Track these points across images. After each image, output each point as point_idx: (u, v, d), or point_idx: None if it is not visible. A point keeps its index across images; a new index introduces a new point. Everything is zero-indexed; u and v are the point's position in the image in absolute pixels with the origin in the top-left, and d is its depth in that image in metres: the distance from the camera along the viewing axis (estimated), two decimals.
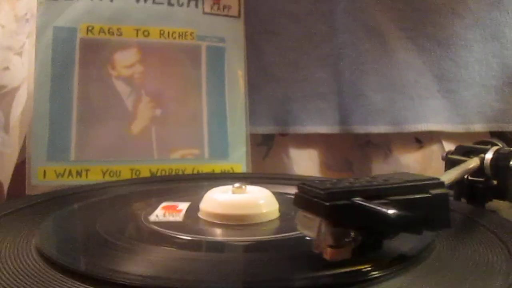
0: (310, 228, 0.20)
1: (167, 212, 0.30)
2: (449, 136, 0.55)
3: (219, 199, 0.29)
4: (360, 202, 0.19)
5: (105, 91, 0.49)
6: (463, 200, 0.38)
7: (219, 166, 0.51)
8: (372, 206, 0.18)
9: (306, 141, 0.57)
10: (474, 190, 0.38)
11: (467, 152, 0.39)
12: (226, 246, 0.25)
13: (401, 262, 0.21)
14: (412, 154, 0.56)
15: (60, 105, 0.47)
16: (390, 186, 0.20)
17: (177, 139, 0.50)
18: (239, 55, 0.53)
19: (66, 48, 0.48)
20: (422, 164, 0.56)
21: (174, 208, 0.32)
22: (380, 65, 0.55)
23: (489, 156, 0.36)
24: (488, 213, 0.32)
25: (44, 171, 0.46)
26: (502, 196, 0.38)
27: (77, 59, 0.48)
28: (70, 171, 0.47)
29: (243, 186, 0.30)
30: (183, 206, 0.32)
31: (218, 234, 0.27)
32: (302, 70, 0.55)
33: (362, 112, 0.55)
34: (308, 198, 0.20)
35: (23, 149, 0.48)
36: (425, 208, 0.21)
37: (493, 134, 0.56)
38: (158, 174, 0.49)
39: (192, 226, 0.27)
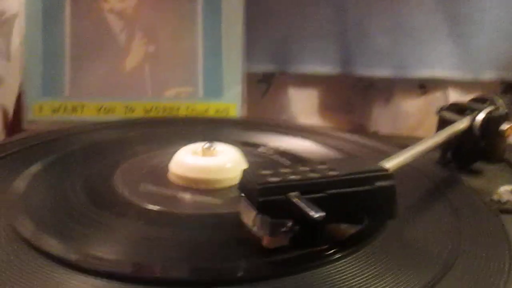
0: (248, 217, 0.21)
1: None
2: (456, 84, 0.53)
3: (187, 162, 0.29)
4: (292, 200, 0.19)
5: (97, 26, 0.48)
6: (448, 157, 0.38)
7: (213, 105, 0.51)
8: (301, 206, 0.18)
9: (306, 81, 0.56)
10: (461, 150, 0.37)
11: (460, 109, 0.38)
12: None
13: (341, 248, 0.22)
14: (414, 101, 0.55)
15: (52, 40, 0.47)
16: (328, 180, 0.20)
17: (171, 77, 0.50)
18: None
19: None
20: (423, 111, 0.54)
21: None
22: (388, 4, 0.52)
23: (480, 117, 0.35)
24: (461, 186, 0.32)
25: (41, 106, 0.47)
26: (489, 159, 0.38)
27: None
28: (65, 107, 0.48)
29: (212, 148, 0.30)
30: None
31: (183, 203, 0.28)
32: (304, 8, 0.53)
33: (365, 54, 0.53)
34: (248, 187, 0.20)
35: None
36: (367, 200, 0.21)
37: (504, 83, 0.53)
38: (152, 112, 0.49)
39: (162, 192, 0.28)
